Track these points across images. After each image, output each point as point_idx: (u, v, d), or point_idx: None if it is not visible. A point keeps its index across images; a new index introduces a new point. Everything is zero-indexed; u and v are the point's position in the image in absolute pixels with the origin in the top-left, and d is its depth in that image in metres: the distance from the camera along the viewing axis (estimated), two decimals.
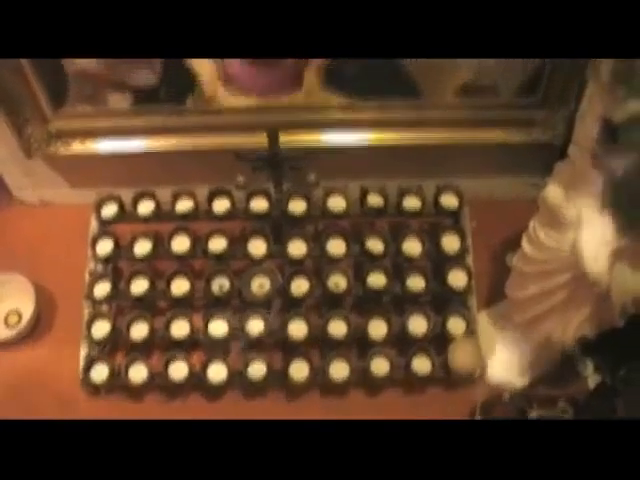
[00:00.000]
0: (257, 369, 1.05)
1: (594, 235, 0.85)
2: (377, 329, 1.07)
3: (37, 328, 1.16)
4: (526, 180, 1.17)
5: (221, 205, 1.11)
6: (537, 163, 1.09)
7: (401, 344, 1.08)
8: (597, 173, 0.83)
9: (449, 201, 1.12)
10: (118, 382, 1.07)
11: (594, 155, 0.82)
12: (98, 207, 1.12)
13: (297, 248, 1.09)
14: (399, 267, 1.10)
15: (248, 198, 1.10)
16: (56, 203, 1.27)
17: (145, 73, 1.03)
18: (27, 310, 1.14)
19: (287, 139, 1.05)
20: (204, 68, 1.02)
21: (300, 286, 1.08)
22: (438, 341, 1.08)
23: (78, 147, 1.12)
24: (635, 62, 0.74)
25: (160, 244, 1.11)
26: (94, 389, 1.09)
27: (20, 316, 1.16)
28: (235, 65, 1.01)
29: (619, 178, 0.80)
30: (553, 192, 0.90)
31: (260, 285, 1.09)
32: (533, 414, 1.00)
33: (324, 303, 1.10)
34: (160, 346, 1.10)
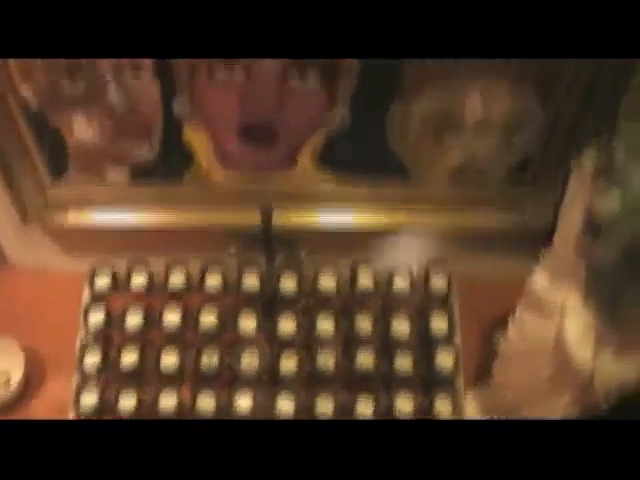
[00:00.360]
0: None
1: (578, 323, 0.86)
2: (364, 408, 1.07)
3: (26, 393, 1.15)
4: (515, 262, 1.17)
5: (213, 279, 1.12)
6: (527, 246, 1.10)
7: None
8: (581, 262, 0.84)
9: (438, 282, 1.13)
10: None
11: (578, 245, 0.84)
12: (91, 277, 1.13)
13: (287, 324, 1.10)
14: (387, 346, 1.11)
15: (240, 273, 1.11)
16: (50, 269, 1.27)
17: (143, 147, 1.05)
18: (16, 374, 1.14)
19: (280, 217, 1.07)
20: (201, 145, 1.04)
21: (289, 362, 1.09)
22: None
23: (74, 216, 1.14)
24: (616, 156, 0.76)
25: (151, 316, 1.12)
26: None
27: (9, 380, 1.16)
28: (231, 143, 1.03)
29: (602, 268, 0.82)
30: (539, 279, 0.91)
31: (249, 360, 1.09)
32: None
33: (312, 380, 1.10)
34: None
